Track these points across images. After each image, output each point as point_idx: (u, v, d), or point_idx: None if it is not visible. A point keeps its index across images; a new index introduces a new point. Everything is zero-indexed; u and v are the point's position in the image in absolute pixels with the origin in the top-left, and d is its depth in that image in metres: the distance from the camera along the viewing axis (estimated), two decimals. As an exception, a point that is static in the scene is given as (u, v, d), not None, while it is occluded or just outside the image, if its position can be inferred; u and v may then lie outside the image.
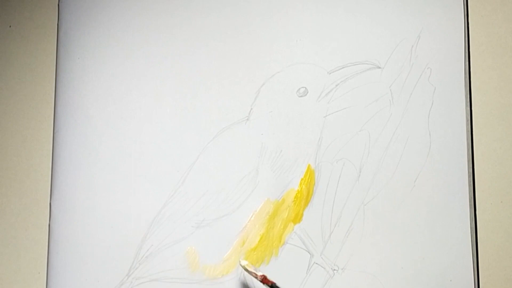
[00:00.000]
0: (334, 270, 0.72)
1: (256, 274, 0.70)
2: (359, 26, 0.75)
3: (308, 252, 0.73)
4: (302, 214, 0.73)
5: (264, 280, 0.69)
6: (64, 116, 0.83)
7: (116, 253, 0.78)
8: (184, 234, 0.76)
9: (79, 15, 0.85)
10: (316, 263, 0.72)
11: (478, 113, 0.70)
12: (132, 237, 0.77)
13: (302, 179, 0.74)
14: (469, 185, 0.69)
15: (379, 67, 0.73)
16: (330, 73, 0.75)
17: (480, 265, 0.68)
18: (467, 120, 0.70)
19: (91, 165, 0.81)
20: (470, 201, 0.69)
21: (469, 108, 0.70)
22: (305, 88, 0.75)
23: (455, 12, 0.72)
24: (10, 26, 0.88)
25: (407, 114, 0.72)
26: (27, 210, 0.83)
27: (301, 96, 0.75)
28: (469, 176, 0.69)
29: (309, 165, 0.74)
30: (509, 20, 0.71)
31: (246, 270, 0.71)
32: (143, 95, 0.80)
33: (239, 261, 0.73)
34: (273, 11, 0.78)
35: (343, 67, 0.75)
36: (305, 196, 0.73)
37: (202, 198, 0.76)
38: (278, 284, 0.69)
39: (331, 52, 0.75)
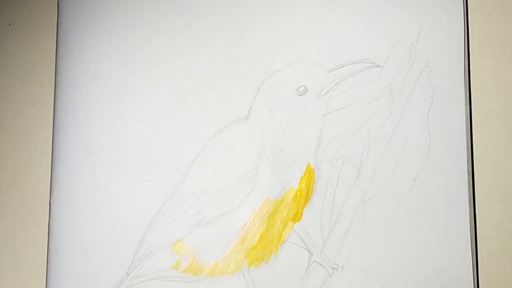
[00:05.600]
0: (333, 268, 0.72)
1: None
2: (358, 24, 0.75)
3: (308, 251, 0.73)
4: (301, 213, 0.73)
5: None
6: (64, 115, 0.83)
7: (115, 252, 0.78)
8: (183, 232, 0.76)
9: (78, 13, 0.85)
10: (316, 262, 0.72)
11: (477, 111, 0.70)
12: (132, 236, 0.77)
13: (301, 177, 0.74)
14: (469, 184, 0.69)
15: (379, 66, 0.73)
16: (329, 72, 0.75)
17: (480, 263, 0.68)
18: (466, 119, 0.70)
19: (91, 164, 0.81)
20: (469, 200, 0.69)
21: (468, 107, 0.70)
22: (305, 86, 0.75)
23: (454, 11, 0.72)
24: (9, 25, 0.88)
25: (406, 113, 0.72)
26: (27, 209, 0.83)
27: (300, 95, 0.75)
28: (468, 175, 0.69)
29: (308, 164, 0.74)
30: (508, 19, 0.71)
31: None
32: (142, 93, 0.80)
33: None
34: (273, 10, 0.78)
35: (342, 66, 0.74)
36: (305, 195, 0.73)
37: (201, 196, 0.76)
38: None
39: (331, 51, 0.75)
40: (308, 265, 0.72)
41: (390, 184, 0.71)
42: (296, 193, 0.74)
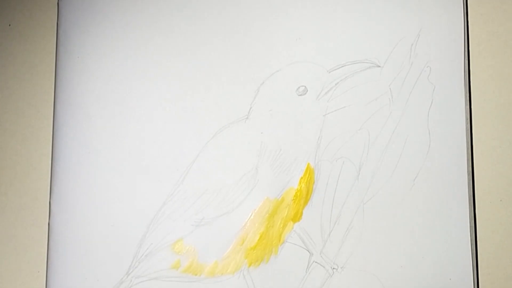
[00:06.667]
0: (333, 268, 0.72)
1: None
2: (358, 24, 0.75)
3: (308, 251, 0.73)
4: (301, 213, 0.73)
5: None
6: (64, 115, 0.83)
7: (115, 252, 0.78)
8: (183, 232, 0.76)
9: (78, 14, 0.85)
10: (316, 262, 0.72)
11: (477, 111, 0.70)
12: (132, 236, 0.78)
13: (301, 177, 0.74)
14: (469, 184, 0.69)
15: (379, 66, 0.73)
16: (329, 72, 0.75)
17: (480, 264, 0.68)
18: (466, 119, 0.70)
19: (91, 164, 0.81)
20: (469, 200, 0.69)
21: (468, 107, 0.70)
22: (305, 86, 0.75)
23: (454, 11, 0.72)
24: (9, 25, 0.88)
25: (406, 113, 0.72)
26: (26, 209, 0.83)
27: (300, 95, 0.75)
28: (468, 175, 0.69)
29: (308, 164, 0.74)
30: (508, 19, 0.71)
31: None
32: (142, 94, 0.80)
33: None
34: (273, 10, 0.78)
35: (342, 66, 0.74)
36: (305, 195, 0.73)
37: (201, 196, 0.76)
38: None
39: (331, 51, 0.75)
40: (308, 265, 0.72)
41: (390, 184, 0.71)
42: (296, 193, 0.74)
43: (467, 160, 0.70)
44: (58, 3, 0.86)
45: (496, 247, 0.68)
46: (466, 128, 0.70)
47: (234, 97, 0.77)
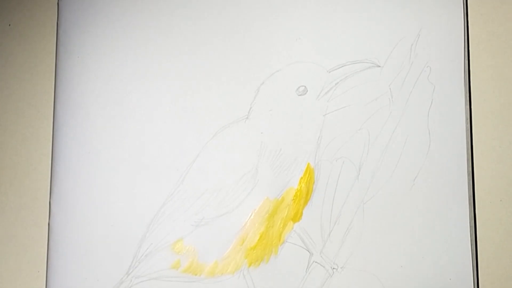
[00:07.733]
0: (333, 268, 0.72)
1: None
2: (358, 24, 0.75)
3: (308, 251, 0.73)
4: (301, 213, 0.73)
5: None
6: (64, 115, 0.83)
7: (115, 252, 0.78)
8: (183, 232, 0.76)
9: (78, 13, 0.85)
10: (316, 262, 0.72)
11: (477, 111, 0.70)
12: (132, 236, 0.78)
13: (301, 177, 0.74)
14: (469, 184, 0.69)
15: (379, 66, 0.73)
16: (329, 72, 0.75)
17: (479, 264, 0.68)
18: (466, 119, 0.70)
19: (91, 164, 0.81)
20: (469, 200, 0.69)
21: (468, 107, 0.70)
22: (305, 86, 0.75)
23: (454, 11, 0.72)
24: (9, 25, 0.88)
25: (406, 113, 0.72)
26: (26, 209, 0.83)
27: (300, 95, 0.75)
28: (468, 175, 0.69)
29: (308, 164, 0.74)
30: (508, 19, 0.71)
31: None
32: (142, 94, 0.80)
33: None
34: (273, 10, 0.78)
35: (342, 66, 0.74)
36: (305, 195, 0.73)
37: (201, 197, 0.76)
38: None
39: (331, 51, 0.75)
40: (308, 265, 0.72)
41: (390, 184, 0.71)
42: (296, 193, 0.74)
43: (467, 160, 0.70)
44: (58, 3, 0.86)
45: (496, 247, 0.68)
46: (466, 128, 0.70)
47: (234, 97, 0.77)
